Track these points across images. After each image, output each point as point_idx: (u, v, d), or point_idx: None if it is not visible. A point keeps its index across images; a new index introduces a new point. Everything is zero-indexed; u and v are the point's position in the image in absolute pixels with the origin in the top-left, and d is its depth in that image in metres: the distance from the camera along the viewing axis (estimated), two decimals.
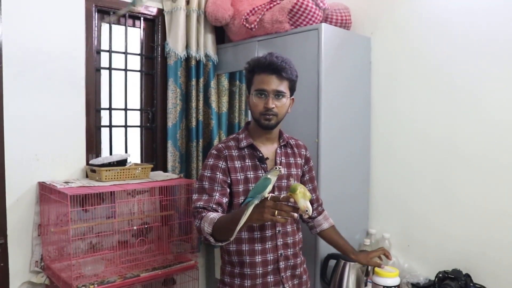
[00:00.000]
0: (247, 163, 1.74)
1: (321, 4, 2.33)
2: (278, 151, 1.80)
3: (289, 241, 1.79)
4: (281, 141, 1.83)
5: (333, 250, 2.30)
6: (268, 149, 1.79)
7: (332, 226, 2.01)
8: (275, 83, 1.67)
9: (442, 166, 2.28)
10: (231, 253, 1.76)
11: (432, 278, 2.18)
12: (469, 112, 2.17)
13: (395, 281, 2.03)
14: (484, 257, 2.13)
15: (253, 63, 1.72)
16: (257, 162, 1.75)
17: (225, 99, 2.86)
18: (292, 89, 1.75)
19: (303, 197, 1.39)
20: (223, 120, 2.86)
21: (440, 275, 2.11)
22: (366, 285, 2.24)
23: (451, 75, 2.23)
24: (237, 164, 1.73)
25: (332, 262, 2.26)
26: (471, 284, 2.09)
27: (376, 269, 2.05)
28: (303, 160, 1.90)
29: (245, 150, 1.76)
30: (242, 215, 1.40)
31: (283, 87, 1.69)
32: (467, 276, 2.09)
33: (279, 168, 1.43)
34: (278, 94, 1.69)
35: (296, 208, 1.39)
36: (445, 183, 2.27)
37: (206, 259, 2.99)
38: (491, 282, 2.08)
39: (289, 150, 1.85)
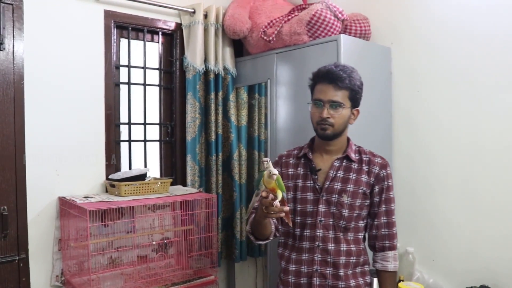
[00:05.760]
0: (299, 172, 1.76)
1: (339, 15, 2.31)
2: (335, 164, 1.71)
3: (328, 259, 1.67)
4: (344, 154, 1.74)
5: None
6: (325, 162, 1.74)
7: (384, 272, 1.74)
8: (331, 93, 1.64)
9: (467, 177, 2.21)
10: (278, 256, 1.82)
11: None
12: (495, 117, 2.10)
13: None
14: None
15: (315, 73, 1.71)
16: (308, 172, 1.74)
17: (244, 112, 2.85)
18: (353, 100, 1.68)
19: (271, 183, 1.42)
20: (242, 134, 2.85)
21: None
22: None
23: (474, 81, 2.17)
24: (290, 171, 1.77)
25: None
26: None
27: (400, 284, 2.00)
28: (373, 179, 1.72)
29: (302, 159, 1.78)
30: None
31: (340, 97, 1.64)
32: None
33: (266, 160, 1.44)
34: (334, 104, 1.64)
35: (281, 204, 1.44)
36: (471, 194, 2.20)
37: (227, 274, 2.95)
38: None
39: (354, 165, 1.72)
